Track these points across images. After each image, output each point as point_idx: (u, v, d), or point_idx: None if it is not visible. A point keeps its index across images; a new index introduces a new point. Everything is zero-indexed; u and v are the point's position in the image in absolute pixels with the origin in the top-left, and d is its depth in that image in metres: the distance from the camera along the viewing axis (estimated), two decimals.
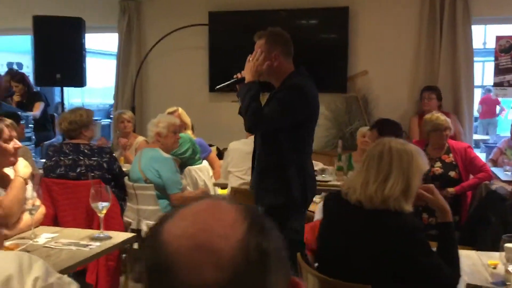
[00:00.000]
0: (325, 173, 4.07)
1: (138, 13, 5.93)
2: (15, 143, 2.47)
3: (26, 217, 2.46)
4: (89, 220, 3.25)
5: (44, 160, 3.80)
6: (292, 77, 2.61)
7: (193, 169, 4.19)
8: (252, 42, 2.68)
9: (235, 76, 2.71)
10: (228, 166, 3.73)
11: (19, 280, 1.08)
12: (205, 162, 4.41)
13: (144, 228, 3.58)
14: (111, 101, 6.67)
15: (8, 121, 2.52)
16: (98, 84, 7.69)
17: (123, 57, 5.99)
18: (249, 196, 3.63)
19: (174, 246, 0.64)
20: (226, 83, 2.74)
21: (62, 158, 3.46)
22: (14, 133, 2.50)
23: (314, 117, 2.70)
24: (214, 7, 5.62)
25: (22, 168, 2.49)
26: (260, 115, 2.49)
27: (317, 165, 4.19)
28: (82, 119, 3.54)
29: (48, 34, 5.11)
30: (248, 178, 3.61)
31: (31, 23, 5.14)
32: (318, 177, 4.02)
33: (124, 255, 3.42)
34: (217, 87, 2.77)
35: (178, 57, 5.91)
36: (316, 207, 3.91)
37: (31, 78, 5.96)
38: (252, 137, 3.67)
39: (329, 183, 3.87)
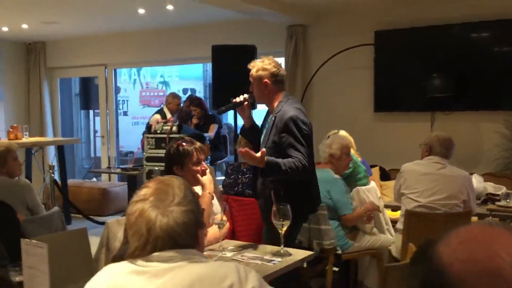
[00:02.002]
0: (510, 197, 3.71)
1: (304, 37, 6.10)
2: (202, 166, 2.65)
3: (213, 230, 2.64)
4: (260, 236, 3.38)
5: (221, 178, 4.08)
6: (280, 106, 2.89)
7: (361, 189, 4.12)
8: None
9: (233, 100, 2.97)
10: (400, 188, 3.60)
11: None
12: (372, 183, 4.31)
13: (315, 247, 3.61)
14: None
15: (198, 144, 2.69)
16: (264, 106, 8.05)
17: (289, 80, 6.19)
18: (423, 219, 3.46)
19: (457, 269, 0.64)
20: (226, 106, 3.03)
21: (240, 177, 3.68)
22: (202, 156, 2.67)
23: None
24: (380, 26, 5.55)
25: (208, 184, 2.68)
26: (299, 164, 2.69)
27: (501, 189, 3.84)
28: None
29: (224, 61, 5.42)
30: (422, 200, 3.44)
31: (209, 52, 5.51)
32: (502, 202, 3.69)
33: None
34: (219, 110, 3.06)
35: (342, 77, 5.92)
36: None
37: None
38: (428, 158, 3.51)
39: None
